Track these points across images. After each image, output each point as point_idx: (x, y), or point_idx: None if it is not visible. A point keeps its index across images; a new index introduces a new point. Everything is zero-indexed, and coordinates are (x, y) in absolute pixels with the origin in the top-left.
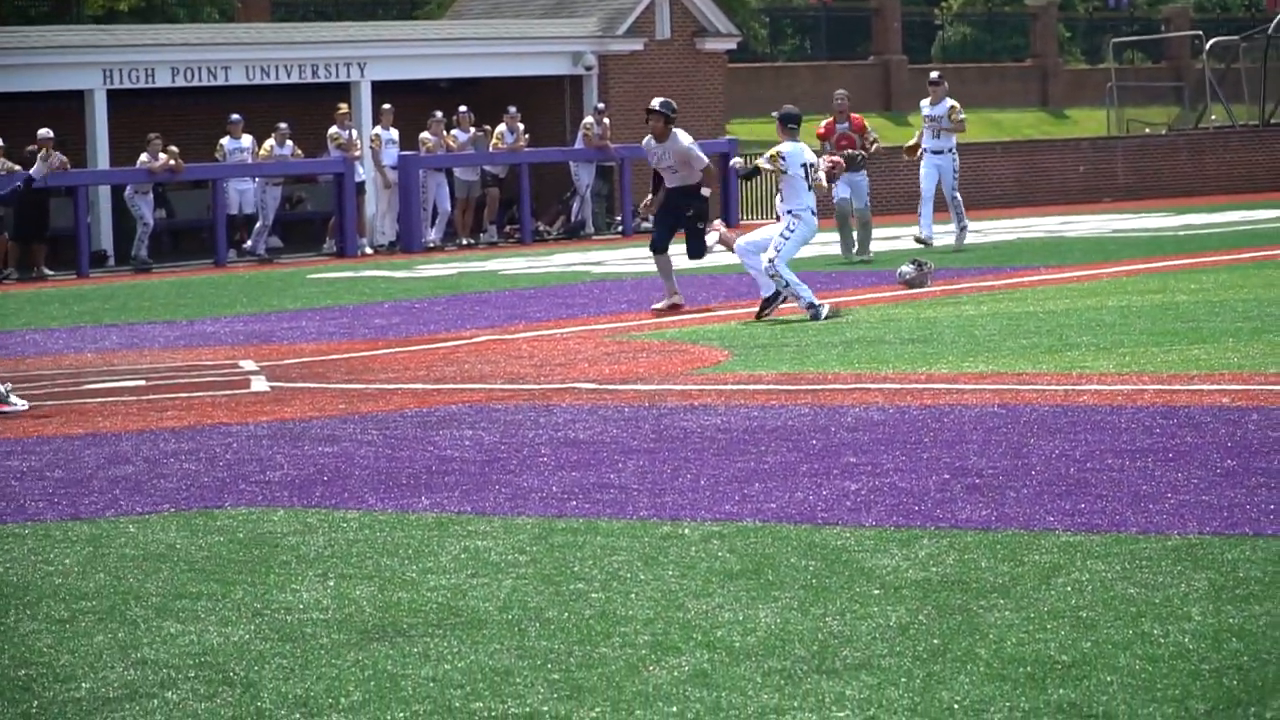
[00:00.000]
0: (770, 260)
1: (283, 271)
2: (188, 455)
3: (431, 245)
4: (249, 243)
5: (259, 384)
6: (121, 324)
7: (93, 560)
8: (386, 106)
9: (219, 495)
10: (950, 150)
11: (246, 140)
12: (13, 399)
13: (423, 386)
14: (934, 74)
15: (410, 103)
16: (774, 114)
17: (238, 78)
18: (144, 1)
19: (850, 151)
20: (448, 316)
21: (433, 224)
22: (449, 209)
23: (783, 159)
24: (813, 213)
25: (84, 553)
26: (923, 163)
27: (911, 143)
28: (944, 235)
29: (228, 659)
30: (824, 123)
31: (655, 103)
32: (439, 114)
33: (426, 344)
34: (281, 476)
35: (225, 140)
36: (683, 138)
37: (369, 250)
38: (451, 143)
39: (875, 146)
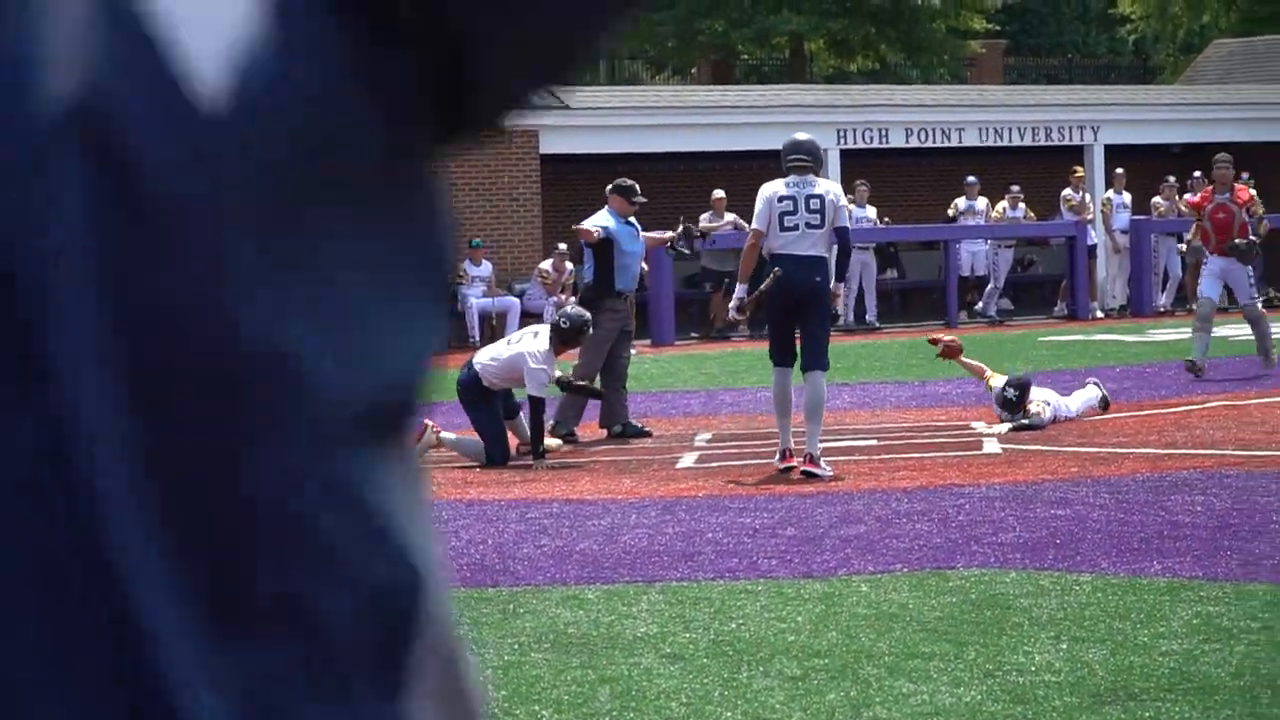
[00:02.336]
0: None
1: (1014, 334)
2: (920, 515)
3: (1162, 310)
4: (980, 304)
5: (991, 446)
6: (853, 383)
7: (825, 618)
8: (1119, 170)
9: (951, 556)
10: None
11: (980, 202)
12: (823, 464)
13: (1154, 451)
14: None
15: (1143, 167)
16: None
17: (971, 139)
18: (876, 63)
19: (1237, 241)
20: (1179, 381)
21: (1163, 288)
22: (1180, 274)
23: None
24: None
25: (817, 610)
26: None
27: None
28: None
29: (959, 719)
30: (1201, 193)
31: None
32: (1171, 179)
33: (1158, 409)
34: (1014, 538)
35: (959, 201)
36: None
37: (1100, 314)
38: (1183, 208)
39: (1264, 226)
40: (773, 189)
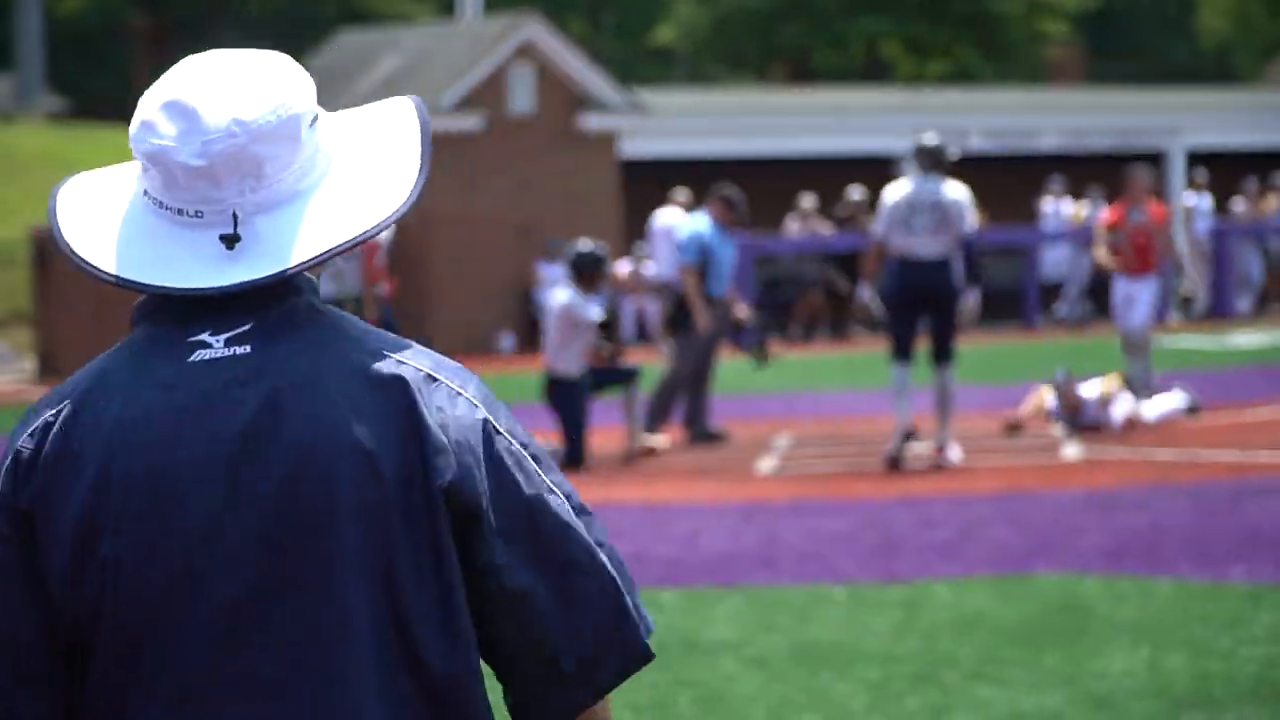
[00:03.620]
0: None
1: (1095, 338)
2: (1000, 521)
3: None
4: (1062, 308)
5: (1071, 451)
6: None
7: (906, 623)
8: (1200, 172)
9: (1031, 561)
10: None
11: (1065, 204)
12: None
13: (1234, 456)
14: None
15: (1221, 172)
16: None
17: (1050, 144)
18: (953, 67)
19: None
20: (1260, 386)
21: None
22: (1259, 278)
23: None
24: None
25: (898, 616)
26: None
27: None
28: None
29: None
30: (1112, 208)
31: None
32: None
33: (1239, 413)
34: (1094, 544)
35: (1043, 204)
36: None
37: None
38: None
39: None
40: (896, 191)
